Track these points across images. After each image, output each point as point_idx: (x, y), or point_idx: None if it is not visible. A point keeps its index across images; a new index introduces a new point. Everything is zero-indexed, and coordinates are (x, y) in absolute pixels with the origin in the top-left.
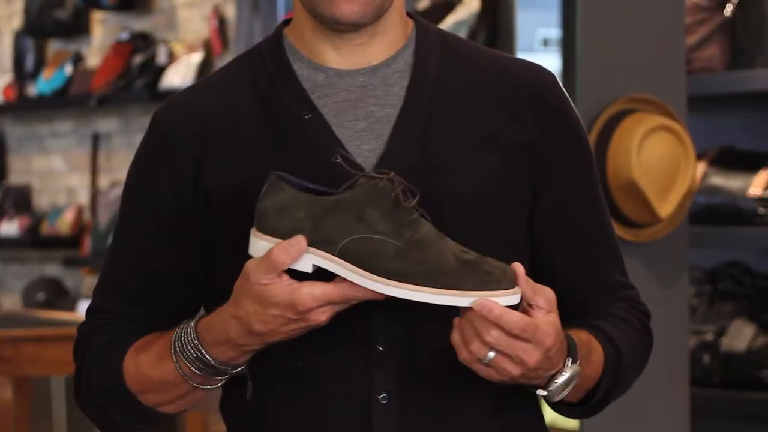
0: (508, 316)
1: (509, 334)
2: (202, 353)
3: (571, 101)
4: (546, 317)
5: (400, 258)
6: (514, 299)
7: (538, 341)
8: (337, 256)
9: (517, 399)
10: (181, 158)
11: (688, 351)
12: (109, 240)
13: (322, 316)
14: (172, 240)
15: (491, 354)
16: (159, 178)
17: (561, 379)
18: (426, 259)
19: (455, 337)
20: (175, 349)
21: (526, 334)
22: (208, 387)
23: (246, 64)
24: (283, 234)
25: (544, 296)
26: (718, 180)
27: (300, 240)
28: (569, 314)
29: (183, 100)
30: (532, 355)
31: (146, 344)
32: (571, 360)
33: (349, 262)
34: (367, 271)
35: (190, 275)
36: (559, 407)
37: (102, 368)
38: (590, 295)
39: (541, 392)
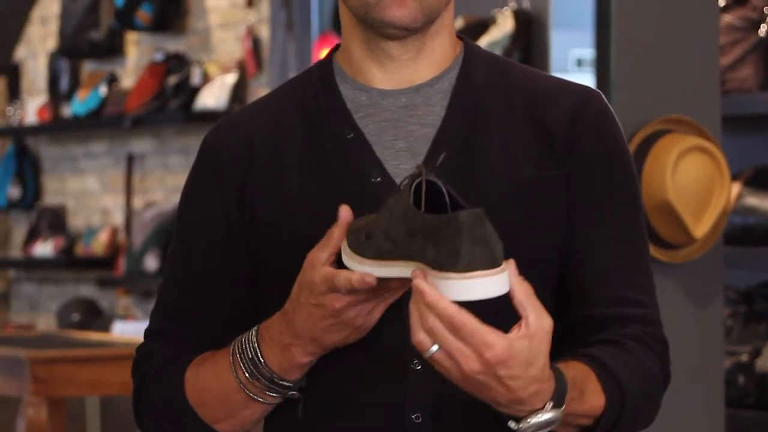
0: (439, 300)
1: (449, 327)
2: (257, 353)
3: (616, 122)
4: (513, 337)
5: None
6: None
7: (477, 348)
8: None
9: None
10: (226, 177)
11: (723, 372)
12: (144, 261)
13: (350, 312)
14: (224, 259)
15: (434, 348)
16: (207, 200)
17: (535, 419)
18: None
19: (413, 316)
20: (233, 351)
21: (463, 332)
22: (262, 401)
23: (296, 87)
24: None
25: (536, 315)
26: (753, 200)
27: (343, 209)
28: (579, 323)
29: (231, 122)
30: (469, 362)
31: (207, 357)
32: (552, 404)
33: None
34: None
35: (244, 292)
36: None
37: (162, 385)
38: (602, 304)
39: (512, 425)
